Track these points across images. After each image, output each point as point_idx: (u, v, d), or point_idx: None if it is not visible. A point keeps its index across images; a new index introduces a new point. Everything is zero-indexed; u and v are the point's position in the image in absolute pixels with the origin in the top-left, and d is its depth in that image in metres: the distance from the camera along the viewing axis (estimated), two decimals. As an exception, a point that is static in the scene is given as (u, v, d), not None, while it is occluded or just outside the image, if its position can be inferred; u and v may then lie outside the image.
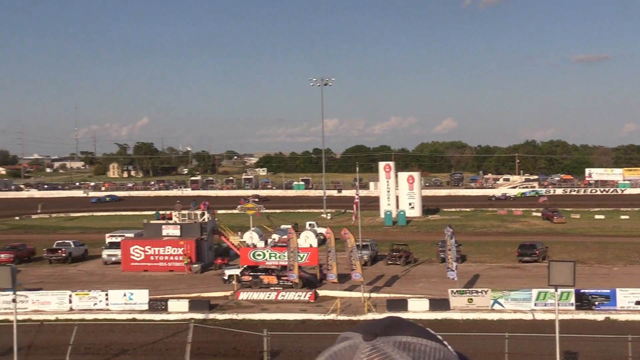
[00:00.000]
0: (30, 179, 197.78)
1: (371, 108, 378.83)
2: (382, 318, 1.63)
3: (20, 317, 25.12)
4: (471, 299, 37.42)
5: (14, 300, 23.45)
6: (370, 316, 36.18)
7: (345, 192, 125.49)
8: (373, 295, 40.99)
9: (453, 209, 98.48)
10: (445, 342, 1.59)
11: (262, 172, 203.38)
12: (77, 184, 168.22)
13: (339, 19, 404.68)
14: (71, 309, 38.13)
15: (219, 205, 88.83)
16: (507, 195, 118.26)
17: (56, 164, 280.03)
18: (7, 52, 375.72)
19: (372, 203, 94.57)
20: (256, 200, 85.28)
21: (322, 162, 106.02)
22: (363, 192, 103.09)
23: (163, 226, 54.24)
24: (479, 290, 38.67)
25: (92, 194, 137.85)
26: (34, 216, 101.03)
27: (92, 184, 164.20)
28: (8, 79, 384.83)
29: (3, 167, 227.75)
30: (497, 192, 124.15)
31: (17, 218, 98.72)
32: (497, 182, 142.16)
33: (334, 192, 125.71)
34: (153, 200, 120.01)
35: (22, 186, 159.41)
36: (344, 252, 42.50)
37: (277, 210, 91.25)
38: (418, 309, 37.10)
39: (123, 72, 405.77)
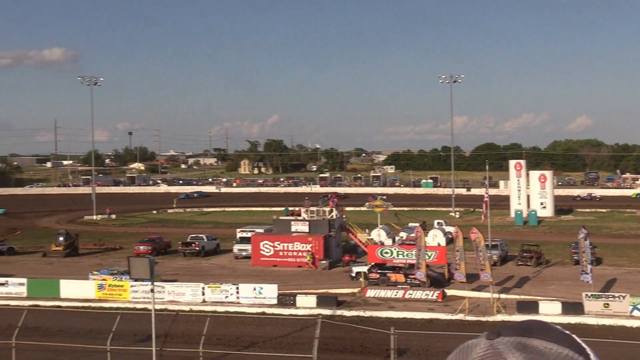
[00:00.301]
0: (166, 174, 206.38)
1: (502, 105, 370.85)
2: (524, 320, 1.65)
3: (157, 307, 26.34)
4: (607, 304, 35.89)
5: (152, 291, 24.63)
6: (499, 317, 35.46)
7: (475, 191, 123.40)
8: (502, 296, 40.10)
9: (587, 210, 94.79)
10: (588, 351, 1.57)
11: (390, 169, 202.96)
12: (210, 179, 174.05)
13: (469, 15, 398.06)
14: (204, 301, 39.55)
15: (347, 203, 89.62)
16: (592, 195, 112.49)
17: (190, 160, 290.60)
18: (148, 56, 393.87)
19: (502, 202, 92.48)
20: (384, 198, 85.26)
21: (451, 160, 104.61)
22: (493, 191, 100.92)
23: (292, 222, 55.25)
24: (616, 295, 37.01)
25: (182, 190, 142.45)
26: (169, 210, 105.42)
27: (224, 179, 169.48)
28: (148, 80, 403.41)
29: (142, 163, 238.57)
30: (582, 191, 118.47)
31: (154, 212, 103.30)
32: (637, 181, 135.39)
33: (463, 191, 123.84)
34: (282, 197, 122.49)
35: (159, 181, 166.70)
36: (473, 252, 41.82)
37: (405, 208, 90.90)
38: (549, 311, 36.00)
39: (255, 71, 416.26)
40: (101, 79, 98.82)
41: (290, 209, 59.25)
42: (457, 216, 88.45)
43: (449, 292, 41.80)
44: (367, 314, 37.14)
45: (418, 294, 40.96)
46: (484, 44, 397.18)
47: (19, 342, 24.34)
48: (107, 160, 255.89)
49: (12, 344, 24.04)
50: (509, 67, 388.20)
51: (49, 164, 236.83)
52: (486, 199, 67.49)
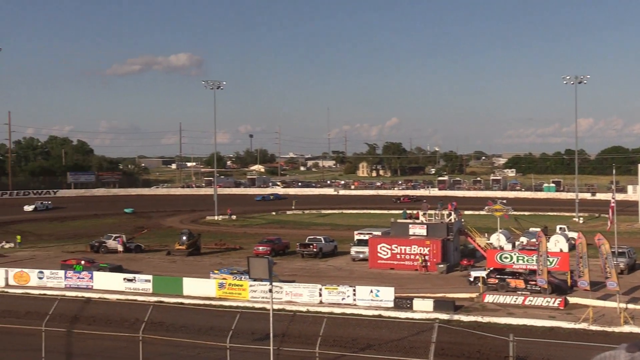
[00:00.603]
0: (285, 176, 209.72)
1: (631, 106, 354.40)
2: None
3: (275, 307, 26.82)
4: None
5: (270, 291, 25.10)
6: (627, 329, 33.94)
7: (600, 196, 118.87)
8: (630, 306, 38.31)
9: None
10: None
11: (511, 173, 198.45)
12: (329, 182, 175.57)
13: (594, 12, 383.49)
14: (321, 302, 39.96)
15: (466, 206, 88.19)
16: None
17: (309, 163, 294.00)
18: (268, 60, 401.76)
19: (630, 208, 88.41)
20: (504, 202, 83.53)
21: (575, 164, 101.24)
22: (620, 196, 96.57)
23: (410, 225, 54.98)
24: None
25: (258, 191, 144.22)
26: (288, 212, 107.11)
27: (342, 182, 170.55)
28: (269, 84, 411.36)
29: (262, 165, 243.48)
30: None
31: (273, 213, 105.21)
32: None
33: (587, 195, 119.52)
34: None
35: (278, 183, 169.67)
36: (597, 259, 40.27)
37: (526, 213, 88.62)
38: (683, 325, 34.18)
39: (373, 74, 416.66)
40: (224, 82, 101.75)
41: (408, 212, 58.91)
42: (581, 222, 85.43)
43: (572, 299, 40.39)
44: (485, 319, 36.46)
45: (539, 300, 39.82)
46: (610, 42, 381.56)
47: (145, 336, 25.40)
48: (228, 162, 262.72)
49: (139, 337, 25.13)
50: (638, 66, 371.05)
51: (173, 166, 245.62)
52: (613, 205, 64.84)
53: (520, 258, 44.18)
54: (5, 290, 45.27)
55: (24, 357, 26.46)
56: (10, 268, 49.10)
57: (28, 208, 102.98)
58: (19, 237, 71.87)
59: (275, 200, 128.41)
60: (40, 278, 46.74)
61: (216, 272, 46.77)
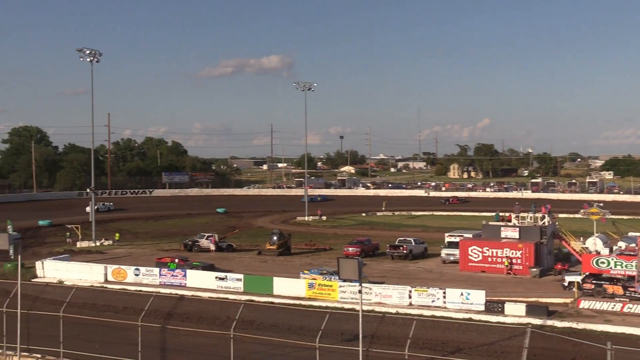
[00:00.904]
0: (376, 177, 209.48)
1: None
2: None
3: (365, 308, 26.78)
4: None
5: (360, 292, 25.08)
6: None
7: None
8: None
9: None
10: None
11: (608, 175, 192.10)
12: (419, 183, 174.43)
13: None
14: (410, 304, 39.68)
15: (560, 209, 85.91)
16: None
17: (400, 164, 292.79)
18: (359, 62, 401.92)
19: None
20: (601, 205, 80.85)
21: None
22: None
23: (502, 228, 53.97)
24: None
25: (309, 193, 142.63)
26: (378, 213, 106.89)
27: (433, 184, 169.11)
28: (359, 85, 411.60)
29: (352, 166, 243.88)
30: None
31: (363, 214, 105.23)
32: None
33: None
34: (492, 202, 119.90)
35: (368, 184, 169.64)
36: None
37: (624, 217, 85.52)
38: None
39: (465, 74, 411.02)
40: (315, 84, 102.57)
41: (500, 214, 57.78)
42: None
43: (674, 308, 38.71)
44: (581, 326, 35.37)
45: (639, 308, 38.37)
46: None
47: (236, 334, 25.78)
48: (319, 163, 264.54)
49: (230, 335, 25.54)
50: None
51: (265, 167, 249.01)
52: None
53: (618, 263, 42.64)
54: (105, 285, 46.93)
55: (121, 350, 27.31)
56: (109, 264, 50.87)
57: (89, 209, 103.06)
58: (117, 234, 74.46)
59: (322, 201, 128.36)
60: (136, 275, 48.23)
61: (306, 272, 47.09)
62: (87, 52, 73.41)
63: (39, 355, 27.99)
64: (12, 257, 52.59)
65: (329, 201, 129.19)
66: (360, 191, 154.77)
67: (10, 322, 28.32)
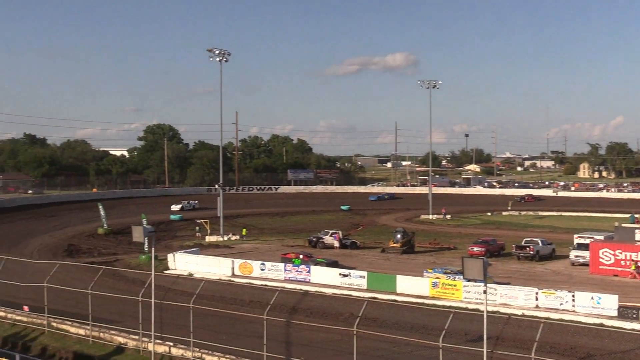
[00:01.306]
0: (501, 176, 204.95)
1: None
2: None
3: (489, 309, 26.24)
4: None
5: (484, 292, 24.60)
6: None
7: None
8: None
9: None
10: None
11: None
12: (547, 183, 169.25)
13: None
14: (537, 306, 38.48)
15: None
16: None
17: (527, 163, 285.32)
18: (485, 59, 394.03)
19: None
20: None
21: None
22: None
23: (636, 230, 51.53)
24: None
25: (374, 190, 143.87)
26: (504, 213, 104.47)
27: (562, 183, 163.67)
28: (485, 83, 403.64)
29: (478, 164, 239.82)
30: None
31: (488, 214, 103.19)
32: None
33: None
34: (626, 203, 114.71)
35: (494, 183, 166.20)
36: None
37: None
38: None
39: (596, 70, 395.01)
40: (440, 82, 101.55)
41: (636, 216, 55.22)
42: None
43: None
44: None
45: None
46: None
47: (359, 331, 25.86)
48: (443, 162, 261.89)
49: (353, 331, 25.65)
50: None
51: (389, 164, 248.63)
52: None
53: None
54: (232, 279, 48.23)
55: (247, 342, 27.98)
56: (236, 259, 52.25)
57: (175, 207, 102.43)
58: (244, 230, 76.43)
59: (389, 199, 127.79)
60: (262, 269, 49.27)
61: (430, 271, 46.64)
62: (217, 52, 75.66)
63: (170, 343, 29.10)
64: (146, 250, 54.96)
65: (395, 199, 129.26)
66: (485, 190, 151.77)
67: (145, 311, 29.62)
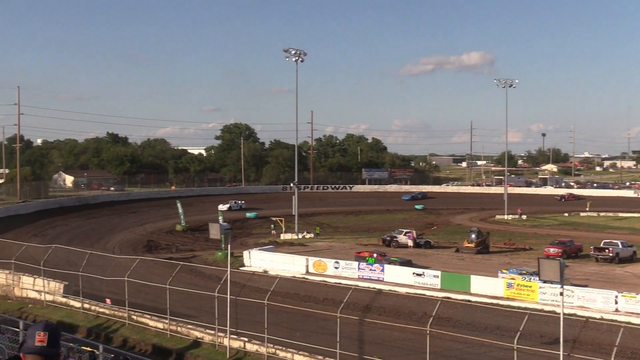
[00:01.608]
0: (579, 176, 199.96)
1: None
2: None
3: (566, 311, 25.71)
4: None
5: (561, 294, 24.11)
6: None
7: None
8: None
9: None
10: None
11: None
12: (627, 183, 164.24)
13: None
14: (616, 310, 37.41)
15: None
16: None
17: (606, 163, 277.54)
18: (562, 56, 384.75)
19: None
20: None
21: None
22: None
23: None
24: None
25: (405, 189, 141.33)
26: (582, 214, 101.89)
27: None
28: (563, 81, 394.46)
29: (555, 164, 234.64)
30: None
31: (566, 214, 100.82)
32: None
33: None
34: None
35: (571, 183, 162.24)
36: None
37: None
38: None
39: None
40: (516, 80, 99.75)
41: None
42: None
43: None
44: None
45: None
46: None
47: (433, 330, 25.68)
48: (519, 162, 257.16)
49: (426, 330, 25.49)
50: None
51: (464, 164, 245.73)
52: None
53: None
54: (306, 277, 48.54)
55: (320, 339, 28.13)
56: (310, 257, 52.58)
57: (223, 207, 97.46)
58: (317, 228, 76.83)
59: (422, 199, 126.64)
60: (336, 268, 49.43)
61: (504, 271, 45.94)
62: (293, 52, 76.28)
63: (245, 339, 29.50)
64: (222, 246, 55.86)
65: (428, 199, 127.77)
66: (562, 190, 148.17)
67: (220, 307, 30.12)
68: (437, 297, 35.96)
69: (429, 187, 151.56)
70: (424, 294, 40.06)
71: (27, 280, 39.56)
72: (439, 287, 43.95)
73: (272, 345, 28.33)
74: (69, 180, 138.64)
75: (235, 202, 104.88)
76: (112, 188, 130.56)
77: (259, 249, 56.27)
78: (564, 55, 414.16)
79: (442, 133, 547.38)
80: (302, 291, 41.81)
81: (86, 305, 35.97)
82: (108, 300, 35.97)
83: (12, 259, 40.38)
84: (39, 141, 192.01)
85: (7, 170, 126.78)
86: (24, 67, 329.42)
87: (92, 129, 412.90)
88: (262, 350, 28.47)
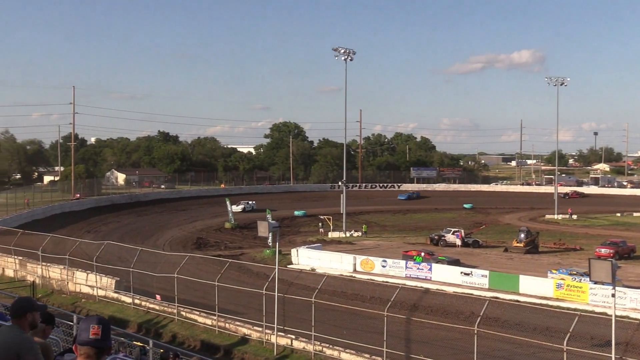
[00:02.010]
0: (633, 176, 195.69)
1: None
2: None
3: (618, 313, 25.17)
4: None
5: (613, 295, 23.61)
6: None
7: None
8: None
9: None
10: None
11: None
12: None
13: None
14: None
15: None
16: None
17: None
18: (612, 54, 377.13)
19: None
20: None
21: None
22: None
23: None
24: None
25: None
26: (635, 214, 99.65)
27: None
28: (615, 79, 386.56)
29: (607, 163, 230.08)
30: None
31: (618, 215, 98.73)
32: None
33: None
34: None
35: (624, 183, 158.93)
36: None
37: None
38: None
39: None
40: (567, 79, 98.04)
41: None
42: None
43: None
44: None
45: None
46: None
47: (480, 330, 25.44)
48: (570, 161, 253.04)
49: (474, 330, 25.26)
50: None
51: (513, 163, 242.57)
52: None
53: None
54: (353, 275, 48.50)
55: (367, 338, 28.11)
56: (357, 255, 52.55)
57: (236, 208, 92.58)
58: (365, 226, 76.69)
59: (417, 198, 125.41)
60: (383, 266, 49.30)
61: (554, 271, 45.24)
62: (342, 50, 76.27)
63: (292, 336, 29.62)
64: (270, 244, 56.15)
65: (421, 198, 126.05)
66: (615, 190, 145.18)
67: (268, 304, 30.29)
68: (485, 296, 35.61)
69: (478, 186, 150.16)
70: (471, 294, 39.69)
71: (80, 275, 40.41)
72: (487, 286, 43.50)
73: (319, 343, 28.40)
74: (121, 178, 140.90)
75: (247, 203, 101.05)
76: (162, 186, 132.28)
77: (307, 247, 56.42)
78: (617, 53, 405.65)
79: (492, 132, 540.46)
80: (350, 289, 41.77)
81: (137, 301, 36.54)
82: (158, 297, 36.48)
83: (67, 254, 41.28)
84: (93, 140, 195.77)
85: (62, 168, 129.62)
86: (79, 67, 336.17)
87: (144, 127, 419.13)
88: (309, 347, 28.55)
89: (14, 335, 5.92)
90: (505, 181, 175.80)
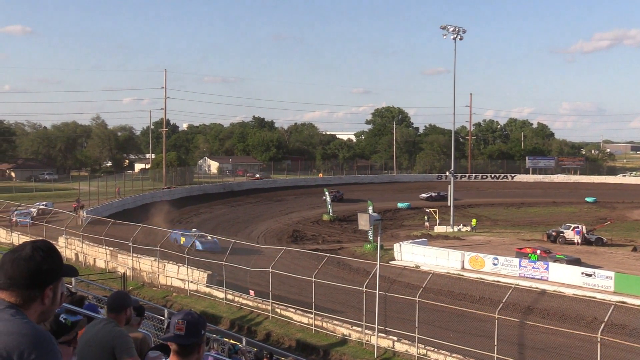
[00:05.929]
0: None
1: None
2: None
3: None
4: None
5: None
6: None
7: None
8: None
9: None
10: None
11: None
12: None
13: None
14: None
15: None
16: None
17: None
18: None
19: None
20: None
21: None
22: None
23: None
24: None
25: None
26: None
27: None
28: None
29: None
30: None
31: None
32: None
33: None
34: None
35: None
36: None
37: None
38: None
39: None
40: None
41: None
42: None
43: None
44: None
45: None
46: None
47: (604, 338, 24.73)
48: None
49: (597, 338, 24.57)
50: None
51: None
52: None
53: None
54: (461, 273, 48.02)
55: (476, 342, 27.79)
56: (466, 252, 51.98)
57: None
58: (474, 220, 75.70)
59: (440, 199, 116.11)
60: (494, 264, 48.58)
61: (690, 274, 43.49)
62: (451, 29, 75.35)
63: (394, 338, 29.60)
64: (371, 238, 56.23)
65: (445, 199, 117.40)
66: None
67: (368, 302, 30.37)
68: (609, 300, 34.60)
69: (602, 178, 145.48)
70: (594, 297, 38.65)
71: (171, 268, 41.60)
72: (612, 289, 42.20)
73: (422, 346, 28.27)
74: (214, 166, 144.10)
75: (337, 192, 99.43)
76: (257, 175, 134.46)
77: (411, 242, 56.20)
78: None
79: (619, 117, 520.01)
80: (457, 289, 41.40)
81: (229, 296, 37.33)
82: (251, 292, 37.14)
83: (158, 246, 42.57)
84: (185, 126, 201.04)
85: (153, 156, 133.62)
86: (171, 51, 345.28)
87: (238, 112, 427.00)
88: (412, 350, 28.46)
89: (110, 330, 6.19)
90: (634, 172, 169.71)
